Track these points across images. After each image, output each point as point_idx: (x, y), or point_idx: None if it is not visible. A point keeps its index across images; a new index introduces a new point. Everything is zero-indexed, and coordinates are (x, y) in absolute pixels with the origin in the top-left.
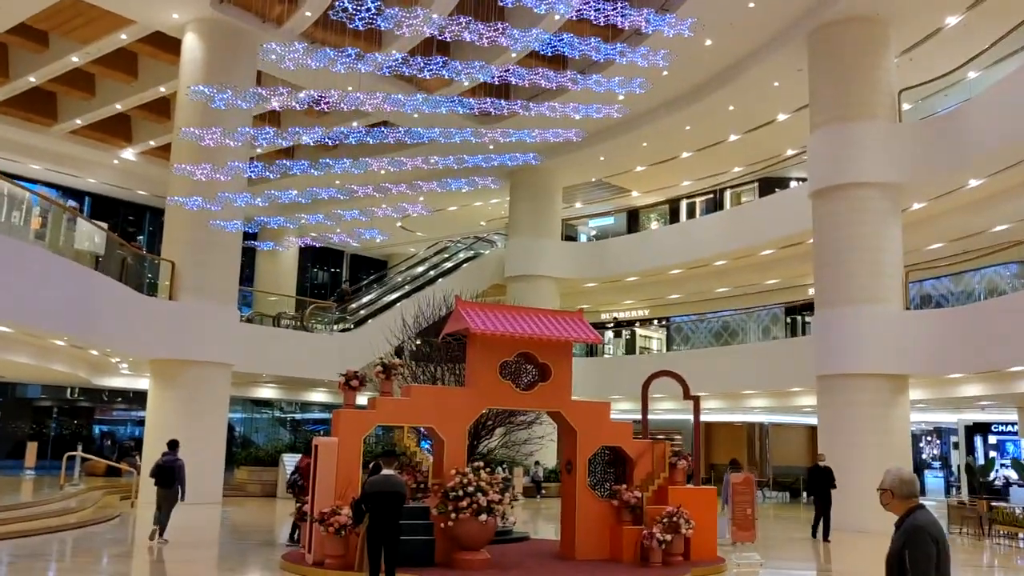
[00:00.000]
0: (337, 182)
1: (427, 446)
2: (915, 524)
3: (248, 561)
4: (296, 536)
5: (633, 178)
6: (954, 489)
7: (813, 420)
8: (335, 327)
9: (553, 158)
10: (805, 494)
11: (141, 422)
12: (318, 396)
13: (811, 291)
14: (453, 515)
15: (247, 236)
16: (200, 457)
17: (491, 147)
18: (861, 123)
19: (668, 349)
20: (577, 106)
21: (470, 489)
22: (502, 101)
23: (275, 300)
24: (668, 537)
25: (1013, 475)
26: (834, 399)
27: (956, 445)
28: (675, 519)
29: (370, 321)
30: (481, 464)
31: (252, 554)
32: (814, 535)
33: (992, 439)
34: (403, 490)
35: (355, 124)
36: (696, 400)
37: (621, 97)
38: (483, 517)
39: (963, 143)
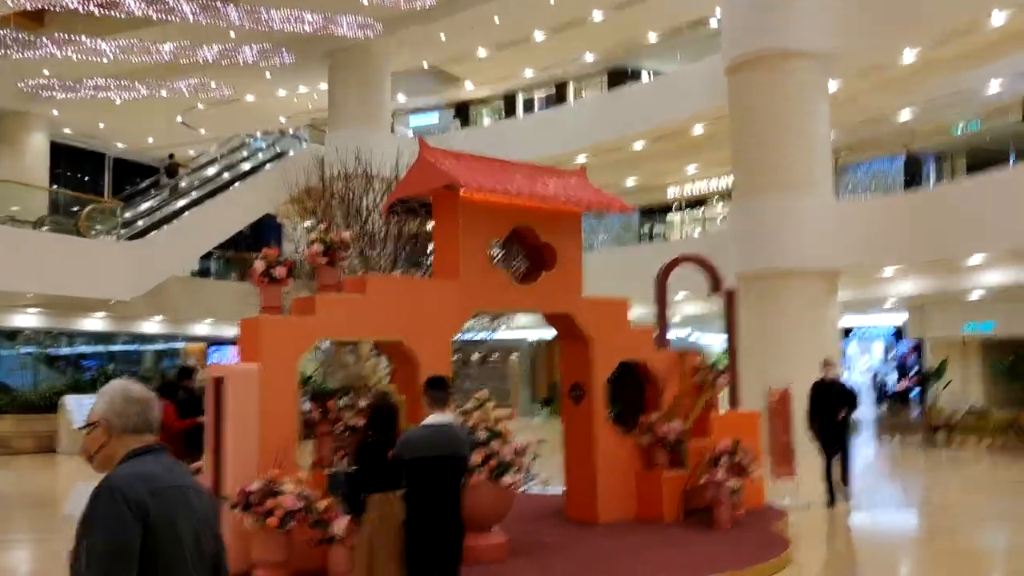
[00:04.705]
0: (105, 60)
1: None
2: (105, 486)
3: None
4: None
5: (469, 66)
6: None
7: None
8: (119, 231)
9: (384, 35)
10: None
11: None
12: (93, 324)
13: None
14: None
15: None
16: None
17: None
18: None
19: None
20: None
21: (481, 435)
22: None
23: (18, 209)
24: (738, 484)
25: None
26: (758, 300)
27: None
28: (738, 459)
29: (153, 233)
30: (485, 396)
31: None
32: (832, 498)
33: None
34: (468, 452)
35: None
36: (731, 294)
37: None
38: (506, 479)
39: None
